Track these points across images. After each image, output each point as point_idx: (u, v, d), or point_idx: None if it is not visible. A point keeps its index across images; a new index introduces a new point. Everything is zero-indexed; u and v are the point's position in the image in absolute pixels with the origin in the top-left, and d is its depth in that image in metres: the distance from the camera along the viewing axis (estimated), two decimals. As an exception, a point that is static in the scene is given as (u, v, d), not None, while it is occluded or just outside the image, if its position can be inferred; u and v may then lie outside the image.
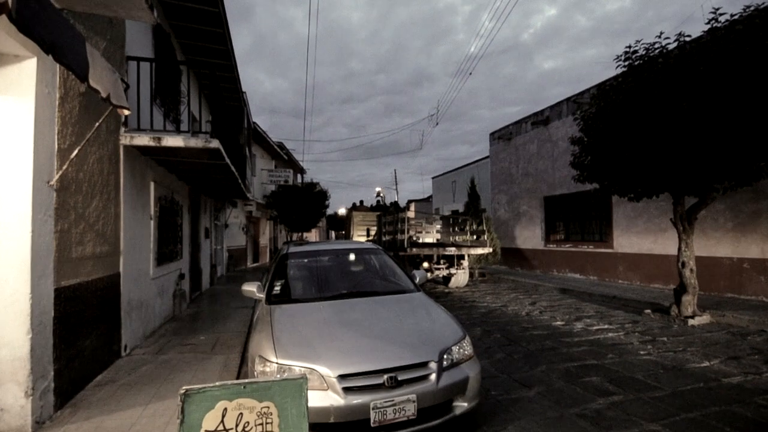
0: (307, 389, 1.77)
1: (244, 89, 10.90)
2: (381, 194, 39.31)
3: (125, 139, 4.63)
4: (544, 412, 3.34)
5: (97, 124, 3.62)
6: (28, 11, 2.00)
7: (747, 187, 6.05)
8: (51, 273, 3.15)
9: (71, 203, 3.52)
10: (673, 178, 6.00)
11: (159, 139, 4.69)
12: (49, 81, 3.14)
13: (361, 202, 45.62)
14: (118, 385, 3.76)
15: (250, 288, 3.89)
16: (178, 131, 6.19)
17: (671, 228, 7.41)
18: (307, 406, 1.75)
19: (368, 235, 17.26)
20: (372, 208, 32.02)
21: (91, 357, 3.85)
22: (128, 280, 4.79)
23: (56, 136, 3.27)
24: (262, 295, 3.83)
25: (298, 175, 26.34)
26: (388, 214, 13.76)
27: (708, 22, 5.51)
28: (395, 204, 35.13)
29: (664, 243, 9.27)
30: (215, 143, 4.81)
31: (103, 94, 2.97)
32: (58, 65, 3.08)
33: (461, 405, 2.81)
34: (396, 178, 40.72)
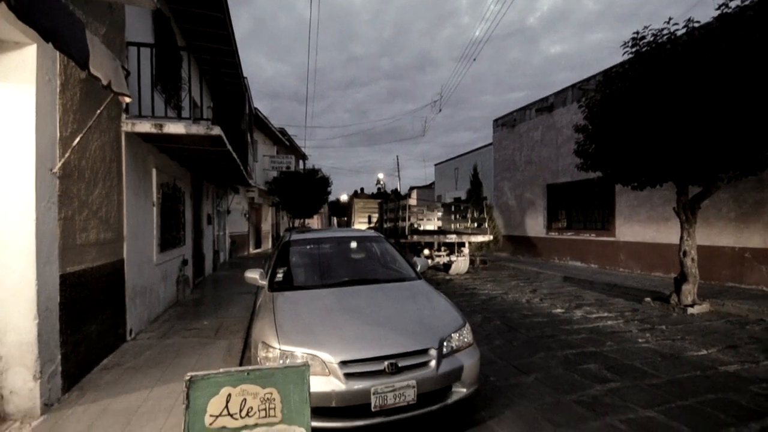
0: (309, 376, 1.81)
1: (245, 74, 10.79)
2: (381, 182, 39.25)
3: (127, 126, 4.63)
4: (542, 398, 3.40)
5: (99, 111, 3.61)
6: (27, -2, 1.98)
7: (752, 176, 6.01)
8: (56, 260, 3.19)
9: (74, 190, 3.53)
10: (678, 167, 5.96)
11: (161, 126, 4.68)
12: (49, 68, 3.12)
13: (362, 189, 45.53)
14: (124, 368, 3.84)
15: (253, 275, 3.93)
16: (179, 118, 6.17)
17: (674, 217, 7.40)
18: (309, 393, 1.80)
19: (370, 222, 17.31)
20: (373, 196, 32.04)
21: (97, 341, 3.92)
22: (132, 266, 4.84)
23: (58, 124, 3.26)
24: (264, 282, 3.88)
25: (300, 162, 26.29)
26: (389, 201, 13.78)
27: (718, 8, 5.39)
28: (396, 191, 35.11)
29: (667, 232, 9.27)
30: (217, 130, 4.79)
31: (104, 82, 2.96)
32: (58, 52, 3.06)
33: (460, 391, 2.86)
34: (398, 165, 40.56)
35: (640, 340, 4.95)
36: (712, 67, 5.09)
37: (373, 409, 2.54)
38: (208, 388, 1.67)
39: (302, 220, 21.25)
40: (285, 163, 19.49)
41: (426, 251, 10.71)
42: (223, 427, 1.67)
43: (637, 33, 6.12)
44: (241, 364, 3.99)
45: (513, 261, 13.50)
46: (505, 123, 15.60)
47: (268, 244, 21.06)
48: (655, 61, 5.71)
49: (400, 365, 2.66)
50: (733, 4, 5.29)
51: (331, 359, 2.62)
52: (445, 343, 2.89)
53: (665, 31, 5.84)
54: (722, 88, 5.03)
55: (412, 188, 36.73)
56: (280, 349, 2.70)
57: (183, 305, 6.71)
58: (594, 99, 6.88)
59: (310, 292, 3.71)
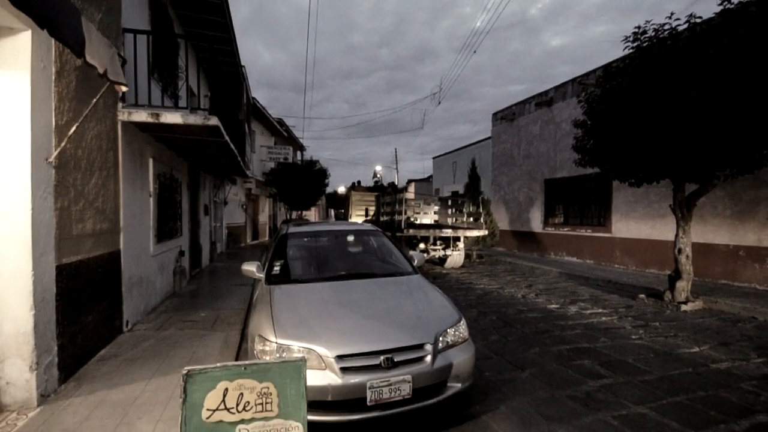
0: (305, 371, 1.82)
1: (242, 63, 10.67)
2: (379, 174, 39.21)
3: (123, 115, 4.57)
4: (536, 393, 3.44)
5: (95, 100, 3.56)
6: (21, -16, 1.94)
7: (748, 174, 6.03)
8: (52, 250, 3.17)
9: (70, 180, 3.50)
10: (676, 164, 5.97)
11: (157, 115, 4.63)
12: (44, 55, 3.07)
13: (359, 182, 45.49)
14: (120, 360, 3.85)
15: (250, 267, 3.93)
16: (176, 107, 6.12)
17: (669, 214, 7.44)
18: (305, 387, 1.80)
19: (367, 215, 17.33)
20: (370, 189, 32.04)
21: (94, 332, 3.92)
22: (129, 257, 4.83)
23: (53, 113, 3.22)
24: (261, 275, 3.87)
25: (298, 153, 26.15)
26: (386, 194, 13.81)
27: (720, 3, 5.35)
28: (393, 185, 35.09)
29: (662, 229, 9.32)
30: (214, 120, 4.75)
31: (100, 70, 2.92)
32: (53, 39, 3.01)
33: (455, 386, 2.89)
34: (396, 157, 40.41)
35: (633, 337, 5.00)
36: (713, 63, 5.07)
37: (368, 404, 2.56)
38: (205, 383, 1.67)
39: (299, 212, 21.22)
40: (283, 154, 19.40)
41: (422, 245, 10.78)
42: (220, 422, 1.68)
43: (639, 28, 6.08)
44: (237, 357, 4.01)
45: (510, 256, 13.57)
46: (504, 117, 15.56)
47: (265, 236, 21.04)
48: (656, 56, 5.69)
49: (395, 360, 2.68)
50: (735, 0, 5.26)
51: (328, 353, 2.63)
52: (440, 339, 2.91)
53: (666, 26, 5.80)
54: (722, 85, 5.02)
55: (410, 181, 36.68)
56: (276, 343, 2.71)
57: (180, 296, 6.71)
58: (594, 94, 6.85)
59: (307, 285, 3.72)
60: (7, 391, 2.86)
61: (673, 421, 2.97)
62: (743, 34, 4.92)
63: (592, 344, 4.71)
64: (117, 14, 4.63)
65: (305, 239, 4.71)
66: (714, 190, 7.04)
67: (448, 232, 10.66)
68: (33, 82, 2.93)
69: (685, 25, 5.66)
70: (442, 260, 11.19)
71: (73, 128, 3.34)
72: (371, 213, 16.49)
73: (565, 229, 12.51)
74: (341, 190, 41.65)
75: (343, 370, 2.60)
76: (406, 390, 2.63)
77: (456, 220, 12.43)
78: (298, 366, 1.81)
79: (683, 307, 6.28)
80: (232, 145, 6.24)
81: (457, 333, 3.03)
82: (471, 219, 11.81)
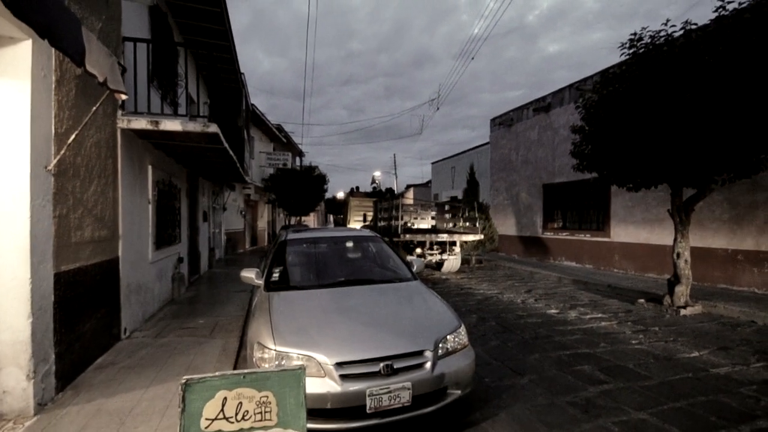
0: (305, 379, 1.81)
1: (242, 70, 10.73)
2: (377, 180, 39.37)
3: (122, 123, 4.59)
4: (536, 399, 3.43)
5: (95, 108, 3.57)
6: (22, -6, 1.96)
7: (746, 179, 6.06)
8: (50, 258, 3.17)
9: (69, 188, 3.50)
10: (673, 169, 6.00)
11: (157, 122, 4.64)
12: (44, 64, 3.09)
13: (358, 187, 45.60)
14: (118, 367, 3.83)
15: (249, 274, 3.92)
16: (175, 114, 6.14)
17: (668, 218, 7.46)
18: (305, 396, 1.80)
19: (365, 220, 17.41)
20: (369, 194, 32.14)
21: (92, 340, 3.90)
22: (127, 264, 4.82)
23: (53, 120, 3.23)
24: (260, 282, 3.87)
25: (297, 158, 26.19)
26: (384, 200, 13.93)
27: (716, 10, 5.41)
28: (391, 190, 35.19)
29: (660, 233, 9.33)
30: (213, 127, 4.77)
31: (100, 79, 2.93)
32: (54, 48, 3.03)
33: (455, 392, 2.88)
34: (395, 163, 40.49)
35: (633, 342, 4.99)
36: (709, 69, 5.12)
37: (368, 411, 2.55)
38: (203, 392, 1.67)
39: (298, 218, 21.21)
40: (282, 160, 19.43)
41: (418, 250, 10.90)
42: (219, 431, 1.67)
43: (635, 34, 6.14)
44: (236, 364, 3.99)
45: (509, 260, 13.56)
46: (503, 122, 15.62)
47: (263, 242, 21.02)
48: (652, 62, 5.73)
49: (395, 367, 2.67)
50: (730, 7, 5.32)
51: (327, 361, 2.62)
52: (440, 345, 2.90)
53: (662, 33, 5.86)
54: (718, 91, 5.06)
55: (408, 186, 36.74)
56: (275, 350, 2.70)
57: (178, 303, 6.69)
58: (591, 100, 6.90)
59: (306, 292, 3.71)
60: (3, 400, 2.84)
61: (674, 427, 2.96)
62: (738, 40, 4.97)
63: (591, 349, 4.69)
64: (117, 23, 4.66)
65: (304, 245, 4.71)
66: (712, 195, 7.06)
67: (444, 237, 10.77)
68: (33, 90, 2.94)
69: (681, 32, 5.72)
70: (439, 265, 11.26)
71: (73, 136, 3.34)
72: (369, 218, 16.57)
73: (564, 234, 12.52)
74: (340, 195, 41.68)
75: (343, 377, 2.59)
76: (405, 397, 2.62)
77: (455, 225, 12.48)
78: (297, 374, 1.81)
79: (682, 312, 6.27)
80: (231, 152, 6.26)
81: (456, 339, 3.03)
82: (467, 224, 11.90)
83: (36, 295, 2.94)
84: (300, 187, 18.09)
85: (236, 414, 1.69)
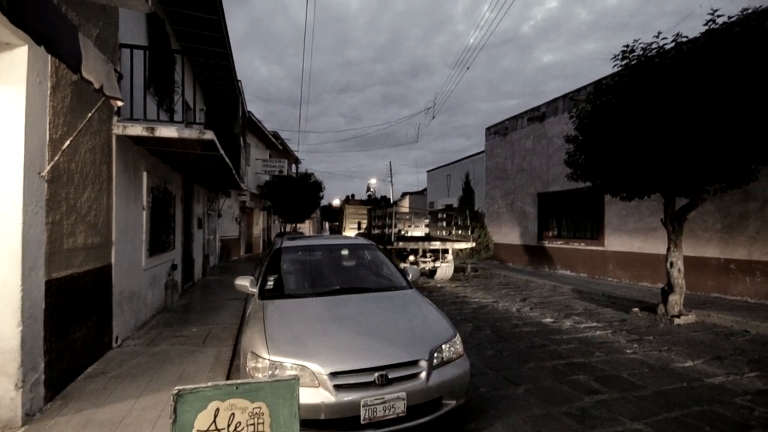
0: (298, 390, 1.79)
1: (239, 77, 10.77)
2: (372, 188, 39.54)
3: (118, 129, 4.58)
4: (532, 409, 3.41)
5: (90, 114, 3.56)
6: (20, 1, 1.96)
7: (737, 189, 6.14)
8: (42, 265, 3.13)
9: (63, 194, 3.48)
10: (665, 179, 6.06)
11: (152, 129, 4.63)
12: (40, 70, 3.08)
13: (353, 195, 45.76)
14: (109, 377, 3.77)
15: (243, 282, 3.89)
16: (171, 121, 6.12)
17: (661, 228, 7.51)
18: (298, 407, 1.78)
19: (359, 228, 17.48)
20: (364, 202, 32.23)
21: (82, 349, 3.84)
22: (120, 271, 4.77)
23: (47, 126, 3.22)
24: (254, 290, 3.84)
25: (293, 165, 26.20)
26: (378, 208, 14.06)
27: (706, 23, 5.52)
28: (386, 198, 35.30)
29: (654, 242, 9.40)
30: (209, 134, 4.76)
31: (96, 85, 2.92)
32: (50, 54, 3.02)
33: (450, 403, 2.86)
34: (391, 171, 40.58)
35: (627, 351, 4.99)
36: (700, 81, 5.20)
37: (362, 422, 2.53)
38: (195, 402, 1.64)
39: (294, 225, 21.14)
40: (278, 167, 19.43)
41: (411, 257, 11.00)
42: (211, 442, 1.64)
43: (627, 46, 6.24)
44: (229, 373, 3.95)
45: (504, 269, 13.58)
46: (498, 131, 15.75)
47: (258, 248, 20.91)
48: (644, 74, 5.82)
49: (390, 377, 2.65)
50: (720, 20, 5.43)
51: (321, 370, 2.60)
52: (435, 355, 2.89)
53: (654, 45, 5.96)
54: (709, 102, 5.14)
55: (404, 194, 36.81)
56: (269, 360, 2.68)
57: (171, 311, 6.62)
58: (584, 110, 6.98)
59: (300, 300, 3.69)
60: (-10, 411, 2.78)
61: (668, 437, 2.95)
62: (728, 53, 5.07)
63: (586, 359, 4.69)
64: (114, 30, 4.68)
65: (299, 253, 4.69)
66: (704, 204, 7.14)
67: (436, 245, 10.90)
68: (28, 96, 2.93)
69: (672, 44, 5.82)
70: (432, 272, 11.34)
71: (67, 142, 3.33)
72: (364, 226, 16.65)
73: (559, 243, 12.57)
74: (336, 203, 41.70)
75: (337, 387, 2.57)
76: (400, 407, 2.60)
77: (450, 233, 12.54)
78: (291, 385, 1.79)
79: (676, 321, 6.30)
80: (227, 159, 6.25)
81: (451, 349, 3.02)
82: (459, 231, 12.01)
83: (27, 303, 2.90)
84: (296, 195, 18.08)
85: (228, 425, 1.67)
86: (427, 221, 13.48)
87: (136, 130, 4.61)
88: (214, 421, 1.65)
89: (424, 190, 30.02)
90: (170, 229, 7.15)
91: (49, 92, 3.22)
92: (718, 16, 5.43)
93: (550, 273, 12.36)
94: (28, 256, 2.92)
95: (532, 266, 13.57)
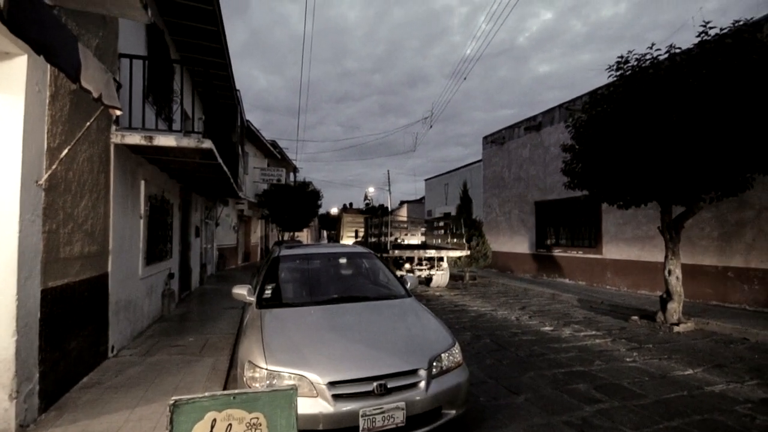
0: (296, 400, 1.77)
1: (237, 87, 10.83)
2: (369, 197, 39.68)
3: (116, 138, 4.58)
4: (532, 419, 3.38)
5: (88, 123, 3.56)
6: (20, 11, 1.97)
7: (733, 197, 6.17)
8: (38, 274, 3.11)
9: (60, 203, 3.47)
10: (662, 188, 6.10)
11: (151, 138, 4.64)
12: (39, 79, 3.09)
13: (351, 204, 45.89)
14: (104, 387, 3.72)
15: (241, 291, 3.87)
16: (170, 130, 6.14)
17: (658, 236, 7.54)
18: (296, 417, 1.76)
19: (356, 236, 17.58)
20: (362, 211, 32.33)
21: (78, 358, 3.80)
22: (116, 280, 4.73)
23: (46, 135, 3.22)
24: (252, 299, 3.82)
25: (291, 174, 26.22)
26: (375, 217, 14.26)
27: (698, 35, 5.61)
28: (383, 207, 35.41)
29: (652, 250, 9.42)
30: (208, 143, 4.77)
31: (95, 95, 2.93)
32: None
33: (450, 412, 2.83)
34: (389, 179, 40.60)
35: (627, 359, 4.97)
36: (693, 91, 5.27)
37: (361, 432, 2.49)
38: (192, 413, 1.62)
39: (292, 234, 21.11)
40: (276, 176, 19.45)
41: (407, 265, 11.10)
42: (207, 454, 1.62)
43: (622, 57, 6.32)
44: (226, 383, 3.90)
45: (502, 277, 13.56)
46: (495, 140, 15.85)
47: (256, 257, 20.83)
48: (638, 84, 5.89)
49: (389, 386, 2.62)
50: (712, 32, 5.51)
51: (319, 380, 2.57)
52: (434, 364, 2.86)
53: (648, 56, 6.04)
54: (703, 112, 5.20)
55: (402, 202, 36.85)
56: (267, 369, 2.65)
57: (168, 320, 6.56)
58: (580, 119, 7.04)
59: (298, 309, 3.66)
60: (-17, 423, 2.74)
61: (670, 447, 2.92)
62: (721, 63, 5.14)
63: (586, 367, 4.66)
64: (114, 40, 4.71)
65: (297, 262, 4.67)
66: (701, 213, 7.17)
67: (431, 253, 11.04)
68: (27, 105, 2.94)
69: (666, 55, 5.90)
70: (428, 280, 11.43)
71: (65, 151, 3.32)
72: (361, 234, 16.74)
73: (557, 251, 12.58)
74: (334, 211, 41.70)
75: (335, 397, 2.54)
76: (399, 417, 2.57)
77: (448, 241, 12.60)
78: (289, 395, 1.77)
79: (676, 329, 6.28)
80: (225, 167, 6.25)
81: (451, 357, 2.99)
82: (455, 240, 12.14)
83: (22, 312, 2.87)
84: (294, 203, 18.09)
85: (226, 436, 1.64)
86: (423, 230, 13.62)
87: (135, 138, 4.62)
88: (211, 431, 1.63)
89: (422, 198, 30.07)
90: (167, 237, 7.13)
91: (47, 101, 3.23)
92: (711, 28, 5.52)
93: (548, 281, 12.34)
94: (23, 265, 2.90)
95: (531, 274, 13.55)
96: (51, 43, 2.26)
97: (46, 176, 3.17)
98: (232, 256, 16.94)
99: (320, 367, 2.66)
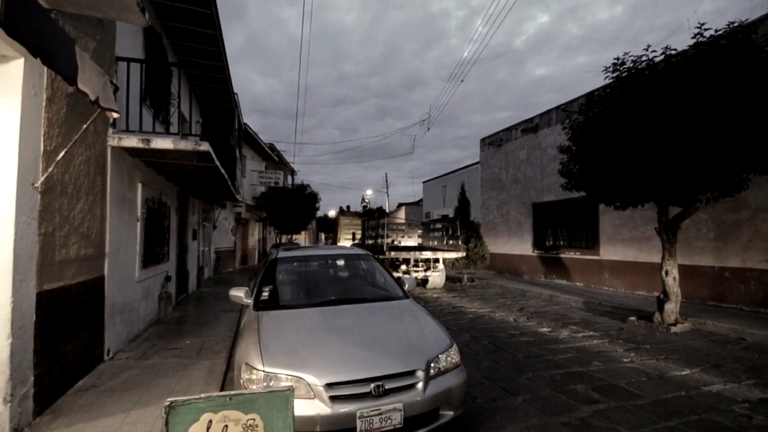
0: (293, 401, 1.77)
1: (235, 90, 10.84)
2: (367, 199, 39.71)
3: (113, 141, 4.57)
4: (530, 420, 3.37)
5: (85, 126, 3.56)
6: (17, 14, 1.97)
7: (729, 198, 6.20)
8: (33, 277, 3.09)
9: (56, 206, 3.46)
10: (658, 188, 6.13)
11: (148, 140, 4.64)
12: (36, 82, 3.09)
13: (348, 207, 45.90)
14: (99, 390, 3.69)
15: (238, 293, 3.86)
16: (167, 133, 6.14)
17: (655, 237, 7.56)
18: (293, 419, 1.75)
19: (354, 238, 17.63)
20: (359, 214, 32.40)
21: (73, 362, 3.78)
22: (113, 283, 4.72)
23: (42, 138, 3.21)
24: (249, 301, 3.81)
25: (289, 177, 26.22)
26: (371, 219, 14.37)
27: (694, 37, 5.65)
28: (381, 209, 35.45)
29: (649, 251, 9.44)
30: (205, 146, 4.77)
31: (92, 97, 2.93)
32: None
33: (447, 413, 2.82)
34: (387, 182, 40.69)
35: (625, 360, 4.98)
36: (689, 92, 5.30)
37: (358, 434, 2.48)
38: (188, 415, 1.62)
39: (290, 236, 21.08)
40: (273, 179, 19.44)
41: (403, 266, 11.16)
42: (203, 455, 1.61)
43: (618, 59, 6.36)
44: (223, 386, 3.88)
45: (500, 278, 13.56)
46: (492, 142, 15.89)
47: (254, 260, 20.78)
48: (634, 86, 5.93)
49: (386, 387, 2.62)
50: (707, 34, 5.56)
51: (317, 381, 2.57)
52: (432, 365, 2.86)
53: (644, 58, 6.07)
54: (698, 113, 5.23)
55: (401, 205, 36.90)
56: (264, 371, 2.64)
57: (165, 323, 6.53)
58: (577, 121, 7.07)
59: (296, 311, 3.66)
60: (-23, 427, 2.72)
61: (667, 447, 2.93)
62: (716, 65, 5.18)
63: (584, 368, 4.67)
64: (111, 43, 4.71)
65: (295, 264, 4.66)
66: (697, 213, 7.20)
67: (427, 254, 11.14)
68: (23, 108, 2.93)
69: (662, 57, 5.94)
70: (424, 281, 11.47)
71: (62, 153, 3.32)
72: (358, 237, 16.79)
73: (554, 252, 12.60)
74: (332, 214, 41.68)
75: (333, 398, 2.53)
76: (397, 419, 2.56)
77: (445, 242, 12.66)
78: (286, 396, 1.76)
79: (673, 329, 6.30)
80: (222, 170, 6.25)
81: (448, 359, 2.99)
82: (451, 242, 12.22)
83: (17, 315, 2.86)
84: (291, 206, 18.06)
85: (222, 437, 1.64)
86: (420, 232, 13.68)
87: (132, 141, 4.62)
88: (207, 433, 1.62)
89: (420, 200, 30.10)
90: (164, 240, 7.11)
91: (44, 104, 3.23)
92: (706, 29, 5.57)
93: (546, 282, 12.35)
94: (19, 267, 2.89)
95: (529, 276, 13.56)
96: (48, 46, 2.26)
97: (42, 179, 3.16)
98: (230, 259, 16.90)
99: (317, 368, 2.66)
